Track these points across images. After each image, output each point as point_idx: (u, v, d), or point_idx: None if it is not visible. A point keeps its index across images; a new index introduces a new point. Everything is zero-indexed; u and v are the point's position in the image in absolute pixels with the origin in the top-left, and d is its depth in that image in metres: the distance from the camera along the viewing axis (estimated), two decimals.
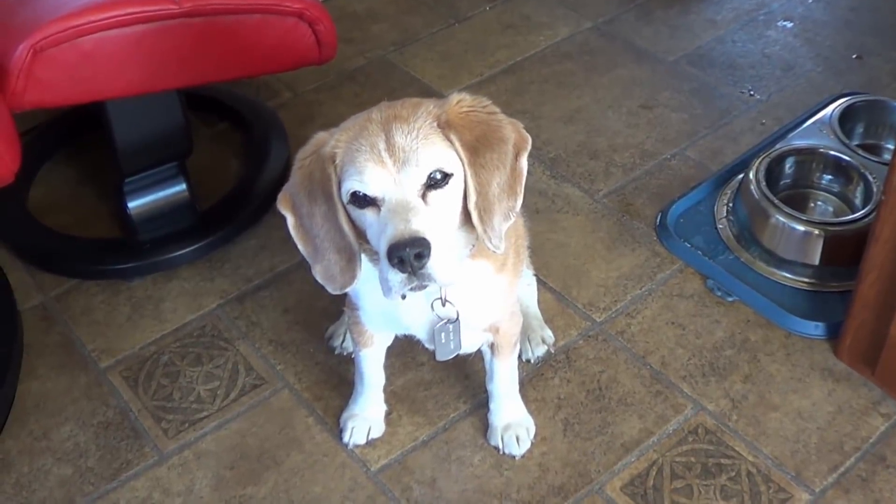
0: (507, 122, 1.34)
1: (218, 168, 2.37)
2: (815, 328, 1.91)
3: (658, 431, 1.76)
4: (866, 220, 1.94)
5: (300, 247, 1.37)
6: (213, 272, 2.11)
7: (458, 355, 1.56)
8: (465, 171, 1.29)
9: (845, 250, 1.95)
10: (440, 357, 1.53)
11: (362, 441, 1.76)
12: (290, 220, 1.36)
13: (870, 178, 2.05)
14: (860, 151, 2.13)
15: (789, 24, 2.77)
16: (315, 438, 1.78)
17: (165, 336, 1.98)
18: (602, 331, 1.94)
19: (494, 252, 1.34)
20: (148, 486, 1.72)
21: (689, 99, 2.52)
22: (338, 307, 1.90)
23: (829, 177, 2.16)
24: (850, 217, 2.01)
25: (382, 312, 1.52)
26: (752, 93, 2.53)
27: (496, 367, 1.67)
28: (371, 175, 1.25)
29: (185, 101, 2.07)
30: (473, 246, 1.38)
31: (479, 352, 1.69)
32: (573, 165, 2.33)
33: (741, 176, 2.16)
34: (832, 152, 2.14)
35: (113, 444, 1.79)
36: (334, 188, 1.30)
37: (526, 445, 1.73)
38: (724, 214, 2.15)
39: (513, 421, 1.74)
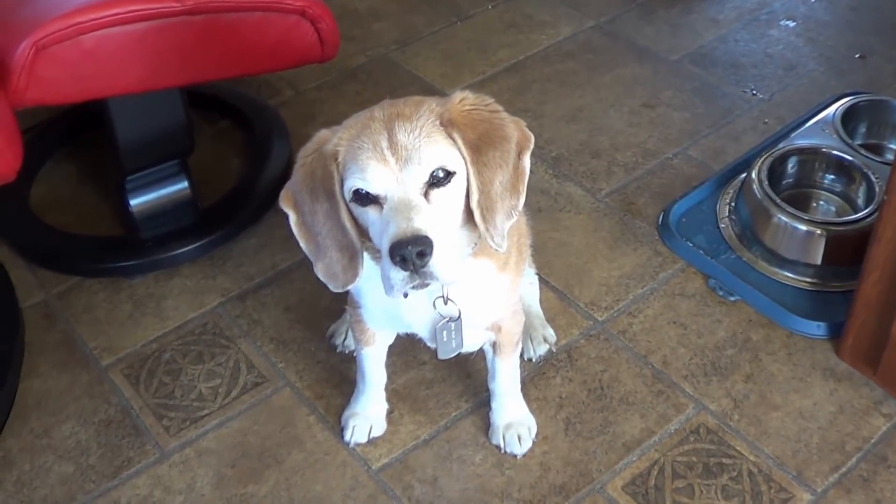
0: (509, 121, 1.34)
1: (219, 166, 2.37)
2: (817, 328, 1.91)
3: (659, 431, 1.76)
4: (868, 219, 1.94)
5: (302, 244, 1.36)
6: (214, 270, 2.10)
7: (459, 354, 1.56)
8: (467, 169, 1.28)
9: (847, 250, 1.95)
10: (442, 356, 1.53)
11: (363, 440, 1.75)
12: (293, 218, 1.36)
13: (872, 177, 2.05)
14: (863, 151, 2.13)
15: (792, 24, 2.77)
16: (316, 437, 1.78)
17: (167, 334, 1.98)
18: (604, 330, 1.94)
19: (497, 251, 1.34)
20: (149, 484, 1.72)
21: (692, 98, 2.52)
22: (339, 305, 1.90)
23: (832, 176, 2.16)
24: (853, 217, 2.01)
25: (384, 311, 1.52)
26: (754, 92, 2.53)
27: (498, 366, 1.67)
28: (373, 173, 1.25)
29: (186, 98, 2.07)
30: (476, 244, 1.38)
31: (480, 350, 1.69)
32: (575, 164, 2.33)
33: (743, 175, 2.16)
34: (835, 152, 2.14)
35: (114, 442, 1.78)
36: (336, 186, 1.29)
37: (527, 444, 1.73)
38: (727, 214, 2.15)
39: (514, 420, 1.74)
